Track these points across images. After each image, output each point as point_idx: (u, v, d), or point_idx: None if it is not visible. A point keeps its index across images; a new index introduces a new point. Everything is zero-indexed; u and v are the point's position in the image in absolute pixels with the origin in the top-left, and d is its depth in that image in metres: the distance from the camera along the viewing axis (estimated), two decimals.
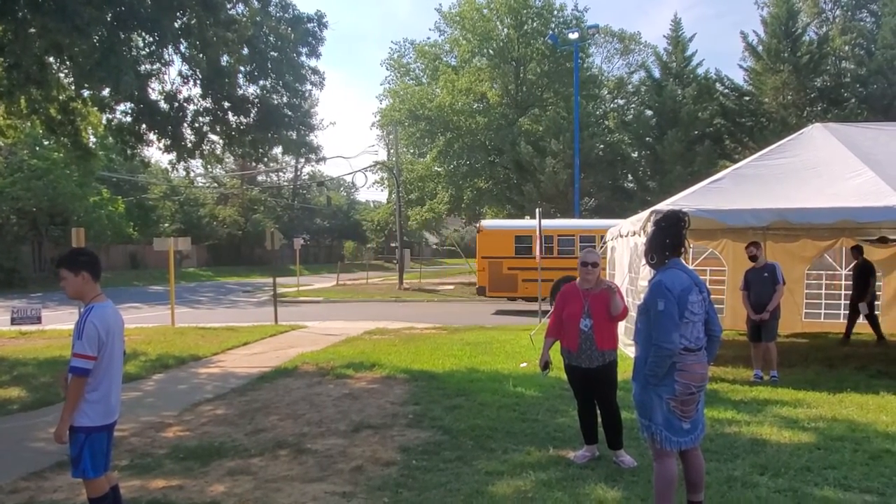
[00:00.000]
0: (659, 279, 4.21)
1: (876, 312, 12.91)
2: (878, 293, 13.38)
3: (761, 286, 9.85)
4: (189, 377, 10.77)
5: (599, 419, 5.99)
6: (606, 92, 45.82)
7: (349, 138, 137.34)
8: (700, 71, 38.43)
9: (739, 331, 13.23)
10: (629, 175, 40.34)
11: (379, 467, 5.92)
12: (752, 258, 10.07)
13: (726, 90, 38.11)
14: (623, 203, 31.86)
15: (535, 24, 37.03)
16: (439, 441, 6.66)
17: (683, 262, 4.36)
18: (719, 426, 6.99)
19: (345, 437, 6.94)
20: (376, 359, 11.46)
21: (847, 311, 13.03)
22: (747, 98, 37.05)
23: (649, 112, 39.04)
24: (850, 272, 13.07)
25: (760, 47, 36.54)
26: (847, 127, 13.35)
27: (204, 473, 5.91)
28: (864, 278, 12.48)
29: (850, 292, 12.87)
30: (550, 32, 34.54)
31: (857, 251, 12.56)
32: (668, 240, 4.30)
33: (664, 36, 39.65)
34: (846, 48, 37.09)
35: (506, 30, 37.38)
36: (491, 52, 37.31)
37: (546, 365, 5.96)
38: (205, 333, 15.62)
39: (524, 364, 10.71)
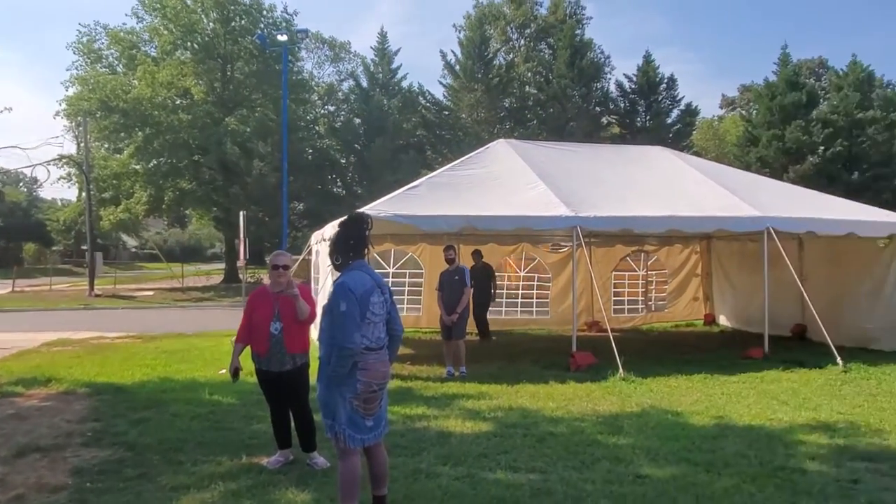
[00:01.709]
0: (342, 280, 4.29)
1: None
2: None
3: (452, 288, 10.52)
4: None
5: (293, 423, 5.96)
6: (317, 97, 46.17)
7: (30, 127, 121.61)
8: (405, 84, 40.52)
9: (436, 329, 14.06)
10: (338, 180, 41.13)
11: (44, 494, 5.29)
12: (450, 261, 10.66)
13: (428, 104, 40.55)
14: (331, 208, 32.35)
15: (243, 22, 36.02)
16: (121, 458, 6.14)
17: (367, 263, 4.49)
18: (410, 422, 7.34)
19: (5, 463, 6.09)
20: (53, 373, 10.26)
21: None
22: (447, 112, 39.76)
23: (358, 120, 40.16)
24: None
25: (458, 67, 39.46)
26: (526, 144, 14.88)
27: None
28: (485, 280, 13.30)
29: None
30: (259, 32, 33.85)
31: (477, 255, 13.34)
32: (351, 241, 4.41)
33: (372, 47, 41.02)
34: (529, 74, 41.43)
35: (212, 24, 35.88)
36: (195, 45, 35.51)
37: (236, 371, 5.80)
38: None
39: (223, 371, 10.32)
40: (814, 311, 11.14)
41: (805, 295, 11.47)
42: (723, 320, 16.74)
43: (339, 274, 4.40)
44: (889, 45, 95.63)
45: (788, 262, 11.29)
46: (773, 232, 11.24)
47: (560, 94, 37.89)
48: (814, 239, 12.83)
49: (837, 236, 11.94)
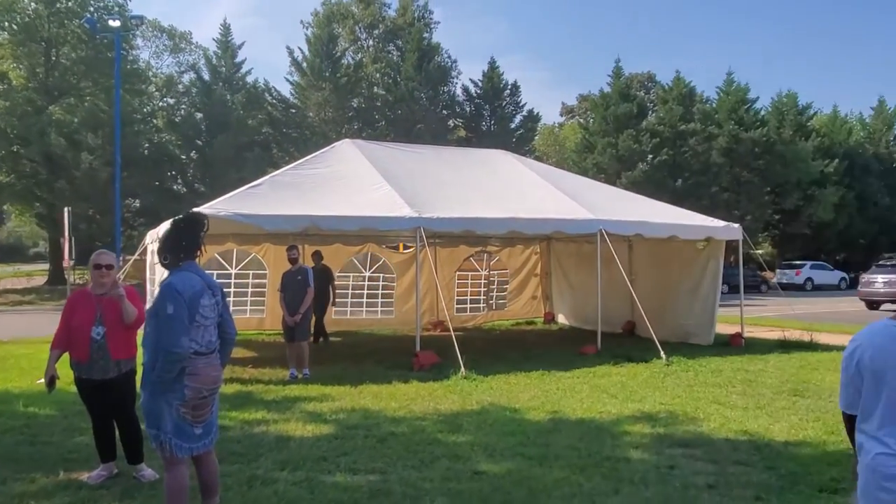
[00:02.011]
0: (169, 281, 4.04)
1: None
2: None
3: (295, 289, 10.28)
4: None
5: (118, 433, 5.58)
6: (154, 89, 43.78)
7: None
8: (250, 79, 39.28)
9: (279, 330, 13.70)
10: (178, 177, 39.24)
11: None
12: (293, 261, 10.40)
13: (275, 101, 39.52)
14: (170, 205, 30.71)
15: (69, 4, 33.47)
16: None
17: (197, 264, 4.26)
18: (248, 427, 7.10)
19: None
20: None
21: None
22: (294, 111, 38.95)
23: (199, 114, 38.48)
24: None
25: (305, 64, 38.73)
26: (372, 144, 14.85)
27: None
28: (324, 282, 12.93)
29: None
30: (88, 15, 31.59)
31: (317, 256, 13.11)
32: (184, 241, 4.16)
33: (214, 39, 39.37)
34: (377, 75, 41.39)
35: (33, 4, 33.08)
36: (14, 26, 32.61)
37: (52, 380, 5.34)
38: None
39: (40, 381, 9.50)
40: (641, 309, 11.89)
41: (633, 294, 12.23)
42: (561, 318, 17.53)
43: (166, 274, 4.16)
44: (707, 64, 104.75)
45: (619, 262, 11.99)
46: (605, 234, 11.90)
47: (408, 96, 38.19)
48: (641, 241, 13.72)
49: (662, 239, 12.84)
